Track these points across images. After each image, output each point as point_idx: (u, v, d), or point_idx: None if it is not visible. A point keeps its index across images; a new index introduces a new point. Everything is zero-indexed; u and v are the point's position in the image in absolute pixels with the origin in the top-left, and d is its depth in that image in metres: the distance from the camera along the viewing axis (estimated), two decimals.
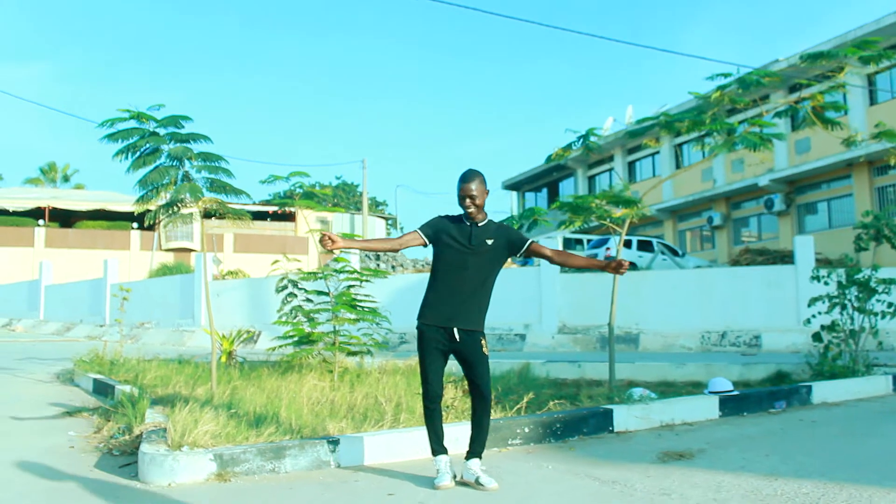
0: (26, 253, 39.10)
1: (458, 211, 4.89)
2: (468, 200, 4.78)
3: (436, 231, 4.87)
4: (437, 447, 4.88)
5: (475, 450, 4.88)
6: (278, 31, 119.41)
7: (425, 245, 4.89)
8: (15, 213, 41.53)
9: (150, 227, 40.37)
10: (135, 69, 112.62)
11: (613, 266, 4.76)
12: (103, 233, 41.59)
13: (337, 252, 4.66)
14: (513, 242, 4.90)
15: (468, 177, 4.82)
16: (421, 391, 4.88)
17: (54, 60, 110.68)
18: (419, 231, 4.88)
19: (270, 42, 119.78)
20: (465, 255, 4.79)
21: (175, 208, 7.69)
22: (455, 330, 4.77)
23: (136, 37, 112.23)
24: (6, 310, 29.72)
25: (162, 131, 7.50)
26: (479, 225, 4.86)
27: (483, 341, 4.87)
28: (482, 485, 4.69)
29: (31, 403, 8.38)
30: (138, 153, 7.44)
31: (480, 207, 4.83)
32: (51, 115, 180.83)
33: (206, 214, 7.91)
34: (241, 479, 4.98)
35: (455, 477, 4.82)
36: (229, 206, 7.97)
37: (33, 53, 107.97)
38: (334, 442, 5.41)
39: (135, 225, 41.04)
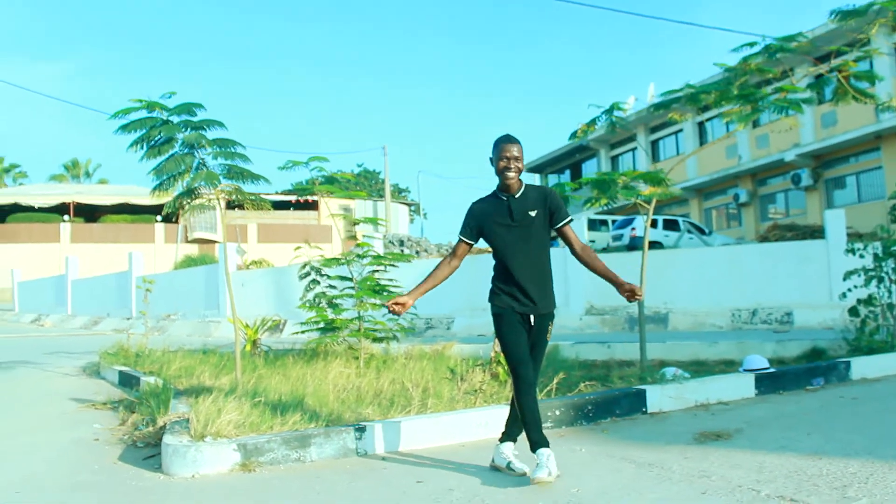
0: (53, 248, 39.45)
1: (478, 193, 4.67)
2: (513, 163, 4.40)
3: (477, 223, 4.55)
4: (538, 437, 4.34)
5: (511, 433, 4.67)
6: (297, 19, 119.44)
7: (472, 245, 4.61)
8: (41, 210, 41.93)
9: (174, 220, 40.55)
10: (155, 62, 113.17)
11: (627, 289, 4.40)
12: (127, 226, 41.89)
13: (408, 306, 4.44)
14: (553, 214, 4.51)
15: (511, 138, 4.47)
16: (512, 375, 4.44)
17: (76, 58, 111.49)
18: (462, 238, 4.57)
19: (289, 31, 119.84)
20: (511, 234, 4.45)
21: (192, 197, 7.58)
22: (531, 316, 4.49)
23: (155, 30, 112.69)
24: (35, 305, 29.96)
25: (175, 119, 7.36)
26: (517, 197, 4.49)
27: (550, 326, 4.59)
28: (513, 470, 4.53)
29: (58, 396, 8.35)
30: (152, 143, 7.32)
31: (520, 172, 4.47)
32: (73, 112, 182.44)
33: (230, 205, 7.80)
34: (265, 469, 4.86)
35: (552, 474, 4.27)
36: (248, 193, 7.84)
37: (55, 51, 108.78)
38: (361, 429, 5.27)
39: (158, 218, 41.27)
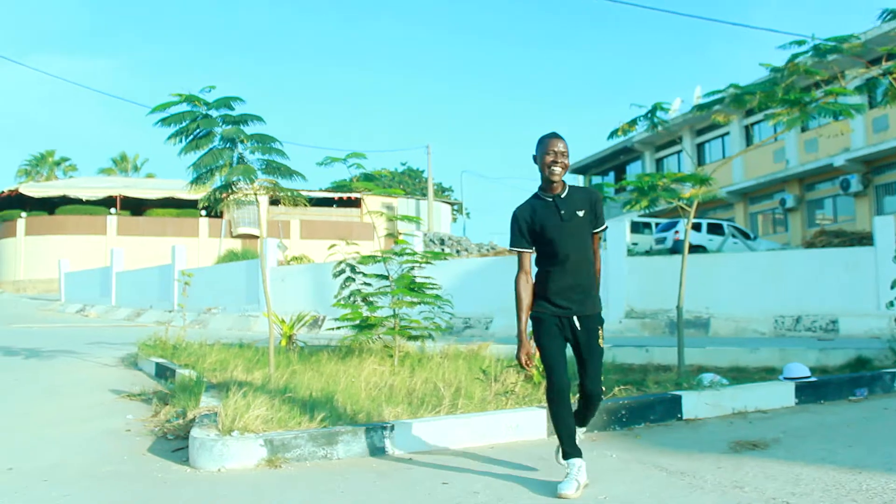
0: (99, 240, 40.10)
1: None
2: (559, 158, 4.24)
3: (529, 228, 4.34)
4: (570, 448, 4.25)
5: (582, 417, 4.56)
6: (344, 17, 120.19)
7: (532, 251, 4.38)
8: (89, 202, 42.58)
9: (218, 214, 40.98)
10: (201, 59, 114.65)
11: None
12: (172, 220, 42.40)
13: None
14: (595, 219, 4.37)
15: (557, 134, 4.32)
16: (546, 382, 4.32)
17: (125, 53, 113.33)
18: (520, 249, 4.35)
19: (335, 29, 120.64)
20: (560, 234, 4.26)
21: (230, 190, 7.60)
22: (575, 318, 4.31)
23: (202, 26, 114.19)
24: (80, 296, 30.40)
25: (214, 113, 7.39)
26: (563, 196, 4.33)
27: (601, 331, 4.37)
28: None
29: (95, 386, 8.43)
30: (191, 136, 7.34)
31: (566, 170, 4.31)
32: (122, 107, 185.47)
33: (273, 201, 7.83)
34: (291, 466, 4.84)
35: (580, 487, 4.15)
36: (285, 188, 7.84)
37: (105, 47, 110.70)
38: (389, 428, 5.23)
39: (203, 212, 41.64)
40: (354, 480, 4.53)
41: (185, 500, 4.19)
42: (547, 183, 4.35)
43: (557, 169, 4.27)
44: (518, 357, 4.25)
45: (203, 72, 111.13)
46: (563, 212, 4.29)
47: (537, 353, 4.38)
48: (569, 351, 4.42)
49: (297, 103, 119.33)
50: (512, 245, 4.41)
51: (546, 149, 4.28)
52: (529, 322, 4.38)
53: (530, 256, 4.37)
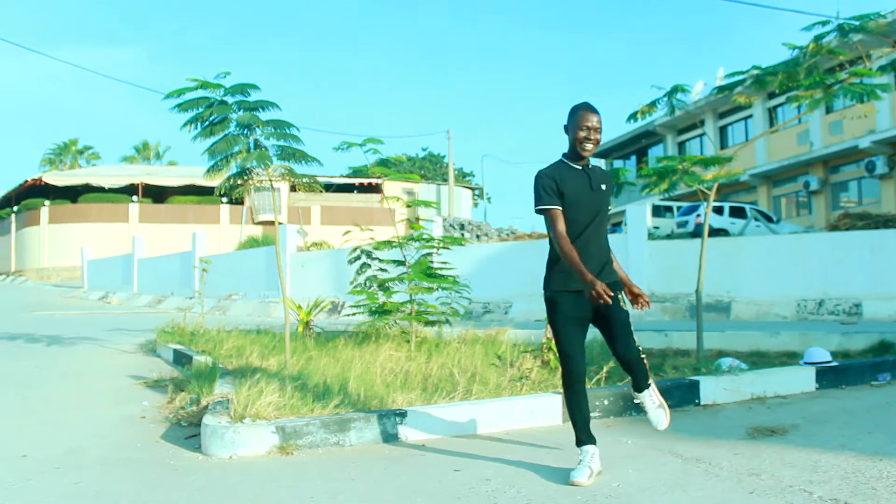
0: (121, 228, 40.43)
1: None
2: (592, 134, 4.11)
3: (558, 187, 4.11)
4: (584, 435, 4.17)
5: (638, 385, 4.39)
6: (364, 2, 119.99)
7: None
8: (111, 190, 42.91)
9: (240, 202, 41.15)
10: (223, 45, 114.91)
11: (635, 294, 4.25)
12: (194, 207, 42.65)
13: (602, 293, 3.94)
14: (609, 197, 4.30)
15: (592, 106, 4.17)
16: (561, 369, 4.21)
17: (147, 41, 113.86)
18: (548, 207, 4.09)
19: (356, 15, 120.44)
20: (588, 202, 4.13)
21: (245, 177, 7.56)
22: None
23: (223, 13, 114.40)
24: (103, 283, 30.66)
25: (230, 99, 7.34)
26: (591, 167, 4.23)
27: (621, 296, 4.20)
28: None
29: (113, 373, 8.47)
30: (206, 122, 7.30)
31: (597, 145, 4.17)
32: (144, 95, 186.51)
33: (293, 187, 7.77)
34: (303, 453, 4.81)
35: (593, 474, 4.08)
36: (301, 174, 7.79)
37: (127, 35, 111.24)
38: (401, 414, 5.19)
39: (224, 199, 41.83)
40: (366, 467, 4.49)
41: (195, 488, 4.17)
42: (576, 155, 4.22)
43: (589, 145, 4.16)
44: (591, 294, 3.88)
45: (224, 58, 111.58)
46: (593, 183, 4.18)
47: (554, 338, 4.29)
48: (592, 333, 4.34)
49: (319, 90, 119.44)
50: (542, 204, 4.14)
51: (579, 123, 4.14)
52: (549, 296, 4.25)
53: (560, 217, 4.12)
